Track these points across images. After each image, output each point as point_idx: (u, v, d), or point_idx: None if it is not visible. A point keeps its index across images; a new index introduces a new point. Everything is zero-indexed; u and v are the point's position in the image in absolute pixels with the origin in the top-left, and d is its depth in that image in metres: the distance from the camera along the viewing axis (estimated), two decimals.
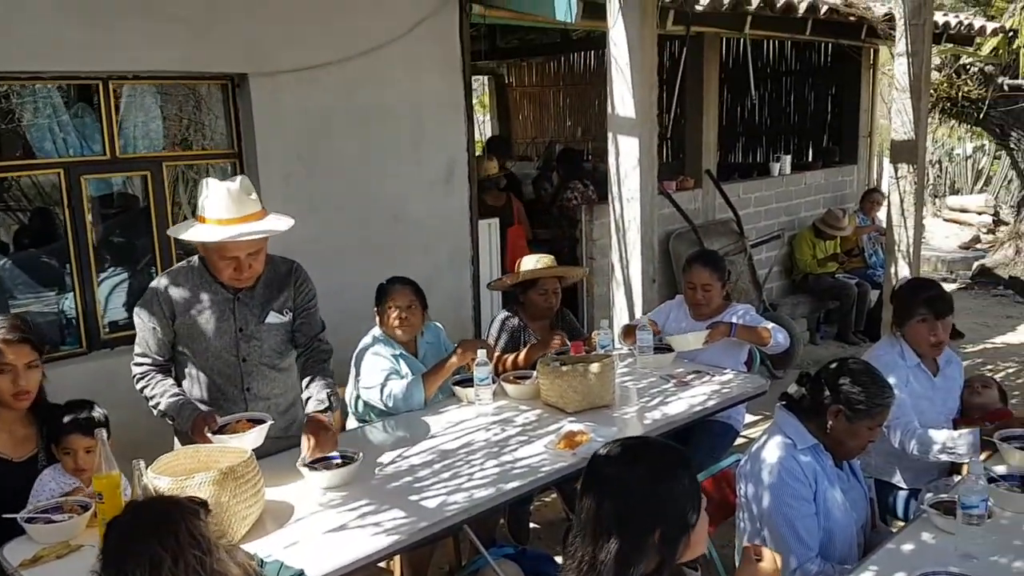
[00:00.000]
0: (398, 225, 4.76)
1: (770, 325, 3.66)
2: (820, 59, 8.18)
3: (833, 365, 2.38)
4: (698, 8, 5.27)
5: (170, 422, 2.72)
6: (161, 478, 2.15)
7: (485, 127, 11.36)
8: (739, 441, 3.84)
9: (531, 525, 3.82)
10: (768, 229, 7.17)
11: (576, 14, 4.42)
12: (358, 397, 3.38)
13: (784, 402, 2.44)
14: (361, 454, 2.62)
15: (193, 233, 2.63)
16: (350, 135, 4.49)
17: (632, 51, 4.00)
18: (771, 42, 8.27)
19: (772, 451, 2.33)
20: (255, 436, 2.54)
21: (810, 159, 8.28)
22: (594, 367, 3.14)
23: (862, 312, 7.08)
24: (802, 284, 7.35)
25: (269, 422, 2.63)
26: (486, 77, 10.72)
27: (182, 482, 2.12)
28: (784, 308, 7.04)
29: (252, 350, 2.78)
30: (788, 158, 7.58)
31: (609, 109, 4.21)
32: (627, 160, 4.22)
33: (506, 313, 3.88)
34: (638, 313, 4.31)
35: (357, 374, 3.36)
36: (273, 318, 2.80)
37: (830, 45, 7.84)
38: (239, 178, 2.69)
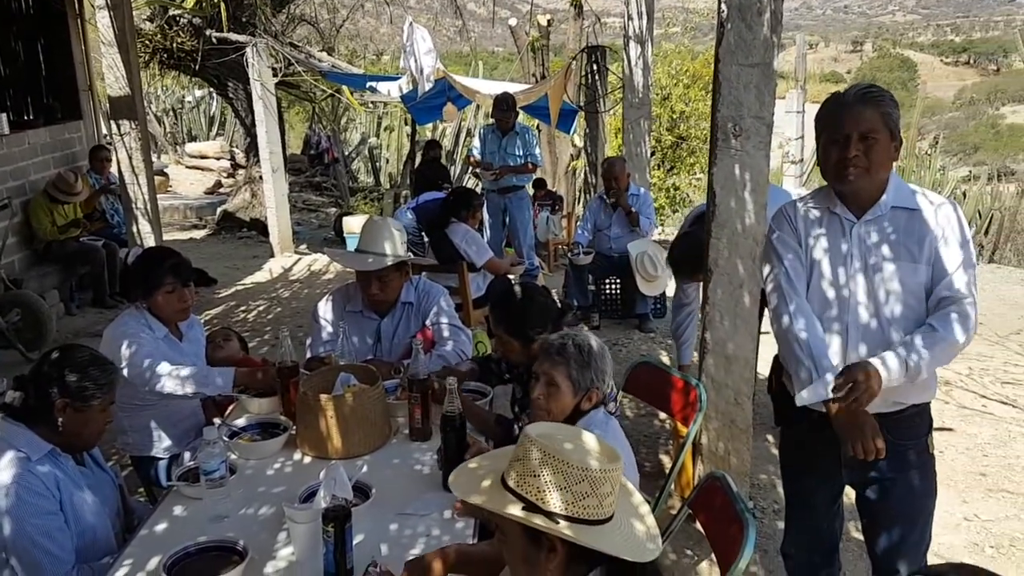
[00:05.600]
0: None
1: None
2: (22, 7, 7.35)
3: (54, 356, 2.20)
4: None
5: None
6: None
7: None
8: None
9: None
10: None
11: None
12: None
13: (5, 413, 2.17)
14: None
15: None
16: None
17: None
18: None
19: (4, 471, 2.07)
20: None
21: (31, 116, 7.50)
22: None
23: (115, 273, 6.87)
24: (46, 253, 6.74)
25: None
26: None
27: None
28: (31, 283, 6.38)
29: None
30: (4, 116, 6.72)
31: None
32: None
33: None
34: None
35: None
36: None
37: None
38: None
